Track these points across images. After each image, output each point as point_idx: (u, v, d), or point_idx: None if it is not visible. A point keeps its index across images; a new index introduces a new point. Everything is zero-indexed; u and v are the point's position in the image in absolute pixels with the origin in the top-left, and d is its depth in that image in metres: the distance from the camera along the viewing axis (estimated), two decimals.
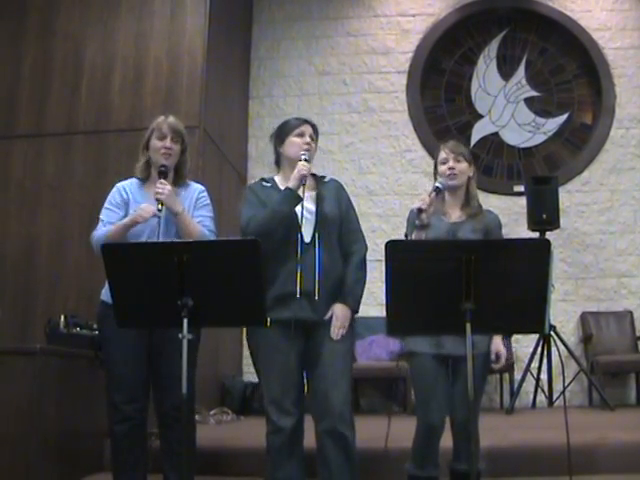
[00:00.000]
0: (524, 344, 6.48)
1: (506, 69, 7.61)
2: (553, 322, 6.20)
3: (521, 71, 7.58)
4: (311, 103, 7.42)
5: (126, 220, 3.25)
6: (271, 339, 3.07)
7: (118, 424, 3.23)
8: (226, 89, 6.80)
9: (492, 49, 7.65)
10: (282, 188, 3.16)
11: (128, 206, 3.39)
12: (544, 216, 6.30)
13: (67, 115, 5.93)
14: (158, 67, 5.93)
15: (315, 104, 7.41)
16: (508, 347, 5.79)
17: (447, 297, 2.52)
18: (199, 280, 2.58)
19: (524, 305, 2.55)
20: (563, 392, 5.45)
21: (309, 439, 3.12)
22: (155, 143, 3.39)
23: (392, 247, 2.52)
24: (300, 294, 3.04)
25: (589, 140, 7.31)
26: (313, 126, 3.31)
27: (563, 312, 6.88)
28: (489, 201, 6.41)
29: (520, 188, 6.95)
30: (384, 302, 2.57)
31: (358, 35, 7.64)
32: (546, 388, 6.33)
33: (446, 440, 3.21)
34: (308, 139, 3.23)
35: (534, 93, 7.53)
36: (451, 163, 3.32)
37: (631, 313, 6.82)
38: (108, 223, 3.35)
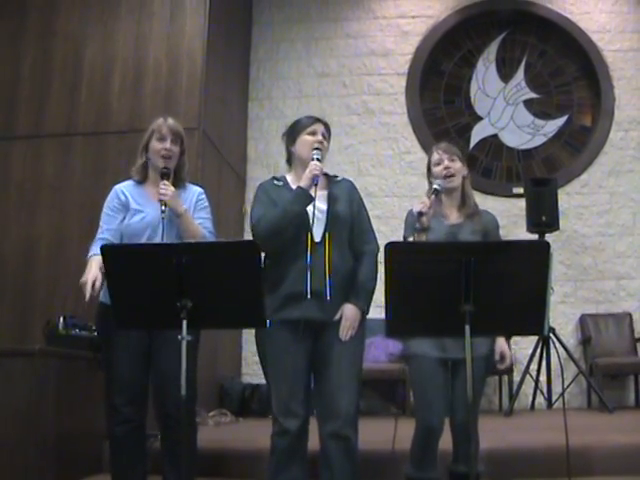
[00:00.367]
0: (523, 346, 6.47)
1: (505, 71, 7.61)
2: (552, 324, 6.20)
3: (520, 73, 7.58)
4: (310, 105, 7.41)
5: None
6: (280, 340, 3.05)
7: (118, 426, 3.23)
8: (225, 91, 6.80)
9: (491, 51, 7.65)
10: (294, 187, 3.13)
11: (127, 208, 3.38)
12: (543, 218, 6.31)
13: (67, 116, 5.93)
14: (158, 68, 5.93)
15: (314, 106, 7.40)
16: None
17: (446, 299, 2.52)
18: (198, 282, 2.58)
19: (523, 307, 2.55)
20: (562, 394, 5.45)
21: (311, 440, 3.11)
22: (155, 145, 3.39)
23: (391, 249, 2.52)
24: (309, 294, 3.02)
25: (588, 142, 7.32)
26: (325, 124, 3.28)
27: (562, 314, 6.88)
28: (488, 203, 6.41)
29: (519, 190, 6.95)
30: (383, 304, 2.56)
31: (357, 37, 7.65)
32: (545, 390, 6.33)
33: (445, 442, 3.21)
34: (320, 137, 3.20)
35: (533, 95, 7.53)
36: (446, 163, 3.32)
37: (630, 315, 6.82)
38: (107, 230, 3.35)
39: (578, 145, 7.39)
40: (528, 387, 6.30)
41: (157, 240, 3.27)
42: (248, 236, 3.18)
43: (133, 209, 3.37)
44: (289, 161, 3.32)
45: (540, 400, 6.38)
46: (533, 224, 6.36)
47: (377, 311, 3.08)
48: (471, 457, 2.87)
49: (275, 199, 3.14)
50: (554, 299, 6.60)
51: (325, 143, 3.23)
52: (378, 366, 6.19)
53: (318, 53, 7.64)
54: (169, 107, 5.78)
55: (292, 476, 3.03)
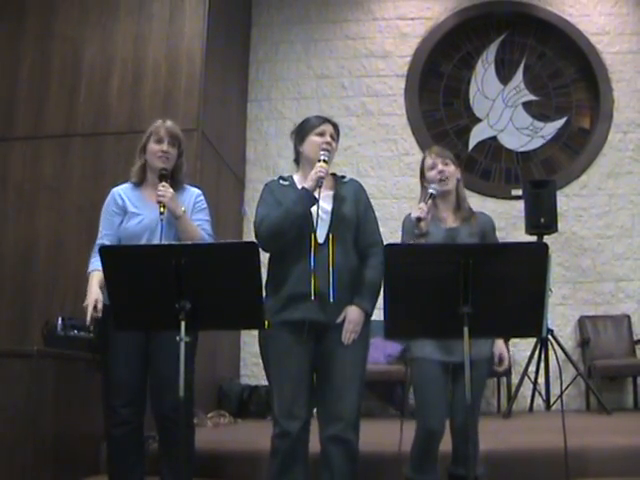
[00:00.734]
0: (522, 348, 6.48)
1: (504, 73, 7.62)
2: (551, 326, 6.20)
3: (519, 75, 7.59)
4: (309, 106, 7.41)
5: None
6: (282, 341, 3.02)
7: (116, 427, 3.23)
8: (224, 92, 6.80)
9: (490, 53, 7.66)
10: (299, 187, 3.12)
11: (125, 212, 3.38)
12: (542, 220, 6.31)
13: (65, 117, 5.92)
14: (157, 70, 5.93)
15: (313, 107, 7.40)
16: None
17: (445, 301, 2.52)
18: (197, 283, 2.58)
19: (522, 309, 2.55)
20: (560, 396, 5.44)
21: (313, 442, 3.10)
22: (152, 147, 3.40)
23: (390, 251, 2.52)
24: (312, 295, 2.99)
25: (587, 144, 7.32)
26: (334, 125, 3.28)
27: (561, 316, 6.89)
28: (487, 205, 6.43)
29: (518, 192, 6.95)
30: (382, 305, 2.56)
31: (357, 38, 7.65)
32: (543, 392, 6.33)
33: (444, 444, 3.21)
34: (329, 139, 3.20)
35: (532, 97, 7.54)
36: (440, 167, 3.31)
37: (628, 317, 6.83)
38: (106, 235, 3.36)
39: (577, 147, 7.39)
40: (527, 389, 6.31)
41: (155, 242, 3.27)
42: (247, 237, 3.18)
43: (130, 212, 3.37)
44: (297, 160, 3.30)
45: (539, 402, 6.38)
46: (532, 226, 6.37)
47: (376, 313, 3.07)
48: (470, 459, 2.87)
49: (280, 199, 3.12)
50: (553, 301, 6.62)
51: (333, 144, 3.22)
52: (377, 368, 6.17)
53: (317, 54, 7.65)
54: (168, 108, 5.78)
55: (293, 478, 3.01)
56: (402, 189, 7.25)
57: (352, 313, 3.05)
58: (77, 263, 5.45)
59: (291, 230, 3.02)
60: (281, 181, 3.25)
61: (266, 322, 2.83)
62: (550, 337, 5.98)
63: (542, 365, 6.22)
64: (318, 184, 3.04)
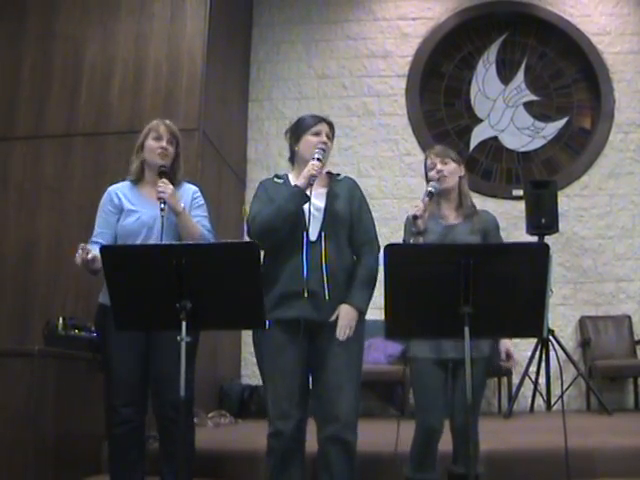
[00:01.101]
0: (522, 348, 6.46)
1: (505, 73, 7.62)
2: (551, 326, 6.20)
3: (520, 75, 7.59)
4: (310, 106, 7.41)
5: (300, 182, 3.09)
6: (275, 340, 3.02)
7: (117, 427, 3.23)
8: (225, 92, 6.80)
9: (491, 53, 7.66)
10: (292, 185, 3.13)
11: (122, 210, 3.38)
12: (543, 220, 6.31)
13: (66, 117, 5.92)
14: (158, 69, 5.93)
15: (314, 107, 7.39)
16: None
17: (445, 301, 2.52)
18: (198, 283, 2.58)
19: (522, 309, 2.55)
20: (561, 396, 5.44)
21: (310, 443, 3.10)
22: (151, 144, 3.40)
23: (390, 251, 2.52)
24: (306, 294, 3.00)
25: (588, 144, 7.32)
26: (330, 124, 3.27)
27: (561, 316, 6.89)
28: (488, 205, 6.39)
29: (519, 192, 6.95)
30: (382, 305, 2.56)
31: (358, 39, 7.65)
32: (544, 392, 6.33)
33: (445, 443, 3.21)
34: (324, 138, 3.18)
35: (533, 97, 7.54)
36: (439, 166, 3.32)
37: (629, 317, 6.83)
38: (100, 234, 3.35)
39: (578, 147, 7.39)
40: (527, 389, 6.31)
41: (153, 240, 3.27)
42: (248, 237, 3.18)
43: (127, 210, 3.37)
44: (292, 159, 3.31)
45: (539, 402, 6.38)
46: (533, 226, 6.36)
47: (376, 313, 3.07)
48: (470, 458, 2.87)
49: (273, 197, 3.12)
50: (553, 301, 6.61)
51: (329, 143, 3.22)
52: (377, 368, 6.18)
53: (318, 54, 7.65)
54: (169, 108, 5.79)
55: (289, 477, 3.02)
56: (403, 189, 7.26)
57: (345, 311, 3.05)
58: None
59: (283, 227, 3.02)
60: (275, 179, 3.26)
61: (266, 322, 2.82)
62: (551, 337, 5.98)
63: (543, 365, 6.22)
64: (310, 182, 3.04)
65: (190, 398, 3.13)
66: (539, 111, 7.51)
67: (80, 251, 3.09)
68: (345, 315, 3.04)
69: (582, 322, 6.85)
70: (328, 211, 3.12)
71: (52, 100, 5.97)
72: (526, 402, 6.42)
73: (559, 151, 7.44)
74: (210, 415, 5.54)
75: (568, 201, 7.07)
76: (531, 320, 2.56)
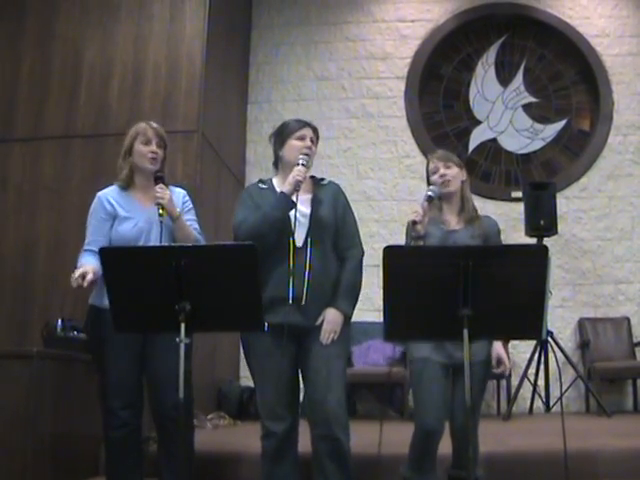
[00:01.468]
0: (521, 350, 6.48)
1: (504, 75, 7.62)
2: (550, 328, 6.20)
3: (519, 77, 7.59)
4: (309, 108, 7.42)
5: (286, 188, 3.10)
6: (263, 344, 3.07)
7: (115, 430, 3.22)
8: (225, 94, 6.80)
9: (491, 55, 7.66)
10: (278, 191, 3.14)
11: (115, 217, 3.35)
12: (542, 222, 6.31)
13: (65, 118, 5.92)
14: (157, 71, 5.93)
15: (313, 109, 7.41)
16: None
17: (444, 303, 2.52)
18: (196, 285, 2.58)
19: (521, 311, 2.55)
20: (560, 398, 5.45)
21: (307, 444, 3.11)
22: (141, 148, 3.37)
23: (389, 253, 2.52)
24: (291, 299, 3.03)
25: (587, 146, 7.32)
26: (314, 129, 3.28)
27: (560, 318, 6.89)
28: (487, 207, 6.41)
29: (518, 194, 6.95)
30: (381, 307, 2.56)
31: (357, 40, 7.65)
32: (543, 394, 6.33)
33: (444, 446, 3.21)
34: (309, 143, 3.20)
35: (532, 99, 7.54)
36: (442, 170, 3.32)
37: (628, 319, 6.83)
38: (94, 241, 3.30)
39: (577, 149, 7.39)
40: (526, 391, 6.31)
41: (152, 244, 3.26)
42: None
43: (122, 216, 3.34)
44: (276, 164, 3.32)
45: (538, 404, 6.38)
46: (532, 228, 6.36)
47: (375, 315, 3.08)
48: (470, 461, 2.87)
49: (259, 202, 3.15)
50: (552, 303, 6.62)
51: (313, 148, 3.23)
52: (376, 369, 6.18)
53: (317, 56, 7.65)
54: (168, 109, 5.79)
55: (284, 478, 3.06)
56: (402, 191, 7.26)
57: (330, 315, 3.09)
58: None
59: (270, 234, 3.04)
60: (260, 184, 3.28)
61: (266, 324, 2.83)
62: (550, 339, 5.99)
63: (542, 367, 6.22)
64: (296, 188, 3.06)
65: (189, 398, 3.13)
66: (538, 113, 7.52)
67: (77, 277, 3.07)
68: (330, 319, 3.09)
69: (581, 324, 6.85)
70: (314, 217, 3.14)
71: (51, 101, 5.97)
72: (525, 404, 6.41)
73: (558, 153, 7.44)
74: (209, 417, 5.53)
75: (567, 203, 7.07)
76: (530, 322, 2.56)
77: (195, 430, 3.44)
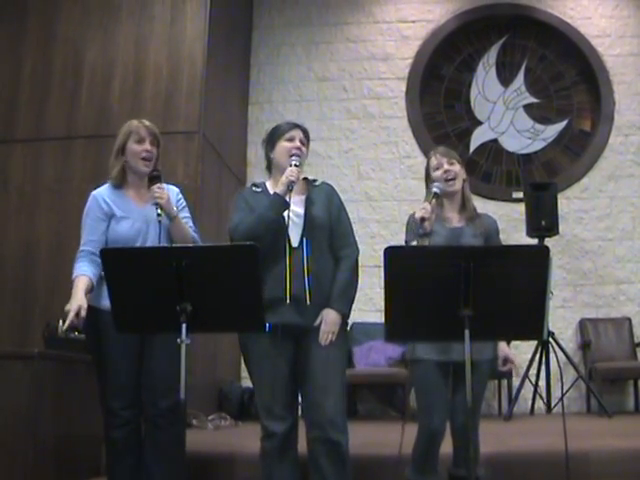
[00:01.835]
0: (522, 350, 6.47)
1: (505, 76, 7.62)
2: (552, 329, 6.20)
3: (520, 78, 7.59)
4: (310, 109, 7.42)
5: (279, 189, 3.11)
6: (260, 344, 3.07)
7: (116, 429, 3.22)
8: (226, 94, 6.81)
9: (491, 56, 7.66)
10: (272, 192, 3.16)
11: (112, 216, 3.33)
12: (543, 223, 6.31)
13: (67, 119, 5.93)
14: (158, 72, 5.94)
15: (314, 110, 7.42)
16: None
17: (446, 303, 2.52)
18: (198, 285, 2.58)
19: (523, 311, 2.55)
20: (561, 399, 5.45)
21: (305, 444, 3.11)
22: (134, 147, 3.36)
23: (390, 253, 2.52)
24: (288, 300, 3.04)
25: (588, 147, 7.32)
26: (304, 130, 3.29)
27: (562, 319, 6.88)
28: (488, 207, 6.38)
29: (519, 194, 6.95)
30: (382, 308, 2.56)
31: (358, 41, 7.65)
32: (544, 395, 6.33)
33: (445, 446, 3.21)
34: (298, 144, 3.21)
35: (533, 100, 7.54)
36: (446, 166, 3.32)
37: (629, 320, 6.83)
38: (90, 241, 3.29)
39: (578, 150, 7.39)
40: (527, 391, 6.30)
41: (150, 244, 3.26)
42: None
43: (119, 216, 3.33)
44: (269, 168, 3.33)
45: (539, 405, 6.38)
46: (533, 228, 6.36)
47: (376, 315, 3.08)
48: (471, 461, 2.87)
49: (253, 205, 3.15)
50: (554, 303, 6.61)
51: (303, 149, 3.24)
52: (377, 370, 6.19)
53: (318, 57, 7.65)
54: (169, 110, 5.80)
55: (282, 478, 3.06)
56: (403, 191, 7.25)
57: (328, 315, 3.09)
58: None
59: (265, 235, 3.04)
60: (254, 188, 3.29)
61: (266, 325, 2.84)
62: (551, 340, 5.98)
63: (543, 368, 6.22)
64: (289, 188, 3.06)
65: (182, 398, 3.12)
66: (539, 113, 7.51)
67: (71, 319, 3.09)
68: (328, 320, 3.09)
69: (582, 324, 6.85)
70: (308, 217, 3.16)
71: (52, 102, 5.98)
72: (526, 404, 6.41)
73: (559, 153, 7.44)
74: (210, 417, 5.53)
75: (568, 203, 7.07)
76: (531, 322, 2.56)
77: (195, 432, 3.43)
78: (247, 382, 6.65)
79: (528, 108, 7.53)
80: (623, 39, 7.42)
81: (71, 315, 3.09)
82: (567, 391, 6.38)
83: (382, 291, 2.54)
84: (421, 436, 3.19)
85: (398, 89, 7.53)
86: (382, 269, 2.52)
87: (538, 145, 7.46)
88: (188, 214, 3.48)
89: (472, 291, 2.48)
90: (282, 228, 3.08)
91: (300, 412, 3.15)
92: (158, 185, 3.26)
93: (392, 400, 6.62)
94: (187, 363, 2.95)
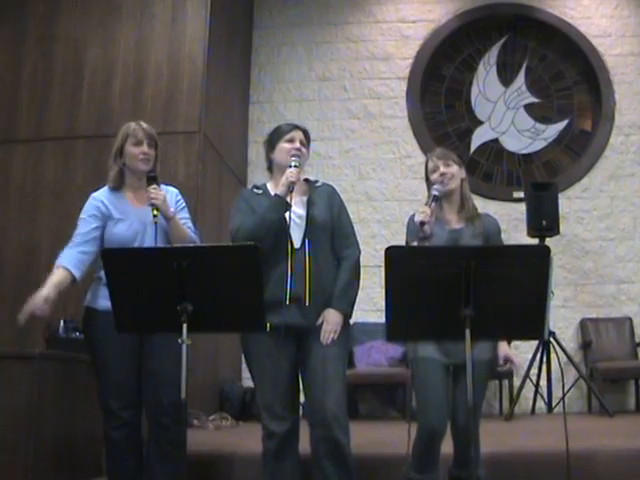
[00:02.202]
0: (523, 350, 6.46)
1: (506, 75, 7.62)
2: (553, 328, 6.20)
3: (521, 77, 7.59)
4: (311, 109, 7.43)
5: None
6: (262, 345, 3.08)
7: (116, 430, 3.21)
8: (226, 94, 6.80)
9: (492, 55, 7.66)
10: (272, 194, 3.16)
11: (110, 218, 3.34)
12: (544, 222, 6.31)
13: (67, 120, 5.93)
14: (159, 72, 5.94)
15: (315, 110, 7.42)
16: None
17: (446, 303, 2.52)
18: (198, 285, 2.58)
19: (524, 311, 2.55)
20: (562, 398, 5.45)
21: (308, 444, 3.11)
22: (132, 150, 3.36)
23: (391, 253, 2.52)
24: (290, 300, 3.05)
25: (589, 146, 7.32)
26: (304, 131, 3.30)
27: (562, 318, 6.88)
28: (489, 207, 6.40)
29: (520, 194, 6.96)
30: (383, 308, 2.56)
31: (358, 41, 7.66)
32: (545, 394, 6.33)
33: (446, 446, 3.21)
34: (298, 144, 3.22)
35: (534, 99, 7.54)
36: (442, 169, 3.31)
37: (630, 319, 6.82)
38: (79, 234, 3.34)
39: (579, 149, 7.39)
40: (528, 391, 6.30)
41: (147, 245, 3.26)
42: None
43: (116, 218, 3.33)
44: (270, 169, 3.33)
45: (540, 404, 6.38)
46: (533, 228, 6.36)
47: (377, 315, 3.08)
48: (472, 461, 2.87)
49: (255, 207, 3.16)
50: (554, 303, 6.60)
51: (303, 150, 3.24)
52: (378, 370, 6.19)
53: (319, 57, 7.65)
54: (170, 110, 5.80)
55: (284, 478, 3.07)
56: (404, 191, 7.25)
57: (330, 315, 3.10)
58: None
59: (267, 237, 3.05)
60: (255, 190, 3.30)
61: (267, 325, 2.84)
62: (552, 339, 5.98)
63: (544, 367, 6.22)
64: (289, 189, 3.07)
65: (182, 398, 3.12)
66: (540, 113, 7.51)
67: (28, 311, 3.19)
68: (330, 320, 3.10)
69: (583, 324, 6.85)
70: (309, 218, 3.17)
71: (53, 103, 5.98)
72: (527, 404, 6.41)
73: (560, 153, 7.44)
74: (211, 417, 5.53)
75: (569, 203, 7.07)
76: (532, 322, 2.56)
77: (196, 431, 3.43)
78: (248, 382, 6.67)
79: (529, 108, 7.53)
80: (624, 39, 7.42)
81: (27, 308, 3.23)
82: (568, 391, 6.38)
83: (383, 291, 2.54)
84: (420, 435, 3.19)
85: (399, 89, 7.53)
86: (383, 269, 2.52)
87: (539, 145, 7.46)
88: (187, 215, 3.48)
89: (473, 291, 2.48)
90: (284, 229, 3.09)
91: (302, 412, 3.16)
92: (154, 186, 3.26)
93: (393, 400, 6.61)
94: (188, 363, 2.96)
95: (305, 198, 3.23)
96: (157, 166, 3.44)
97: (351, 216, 3.37)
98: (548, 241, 6.22)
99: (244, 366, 6.90)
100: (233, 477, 3.90)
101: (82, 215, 3.41)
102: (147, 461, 3.25)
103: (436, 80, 7.68)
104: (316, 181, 3.34)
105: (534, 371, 6.19)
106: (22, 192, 5.84)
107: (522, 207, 6.66)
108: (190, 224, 3.45)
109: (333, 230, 3.21)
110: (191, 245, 3.18)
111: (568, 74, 7.55)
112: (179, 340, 2.56)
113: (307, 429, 3.11)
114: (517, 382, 6.21)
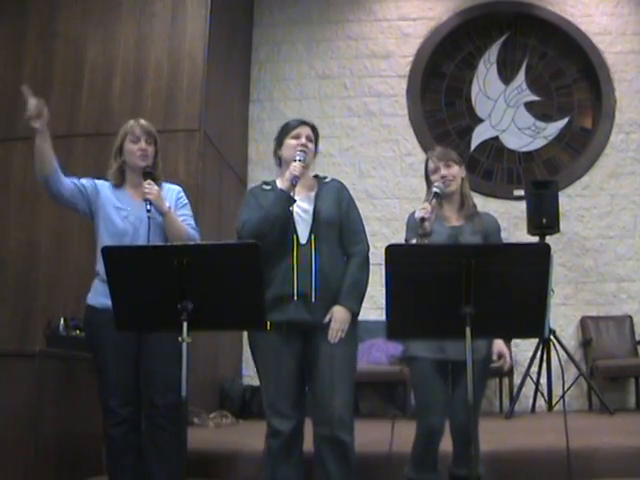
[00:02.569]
0: (524, 348, 6.48)
1: (506, 73, 7.62)
2: (553, 326, 6.20)
3: (521, 75, 7.58)
4: (311, 107, 7.42)
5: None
6: (268, 342, 3.06)
7: (115, 427, 3.22)
8: (226, 92, 6.80)
9: (492, 53, 7.66)
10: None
11: (97, 198, 3.39)
12: (544, 220, 6.31)
13: (68, 118, 5.92)
14: (159, 70, 5.93)
15: (315, 108, 7.42)
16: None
17: (447, 301, 2.52)
18: (199, 283, 2.58)
19: (524, 309, 2.55)
20: (563, 396, 5.44)
21: (310, 443, 3.11)
22: (130, 147, 3.40)
23: (392, 251, 2.51)
24: (296, 296, 3.03)
25: (589, 144, 7.32)
26: (312, 127, 3.29)
27: (563, 316, 6.88)
28: (489, 205, 6.43)
29: (520, 192, 6.96)
30: (384, 306, 2.56)
31: (358, 39, 7.65)
32: (546, 392, 6.33)
33: (446, 444, 3.21)
34: (304, 140, 3.21)
35: (534, 97, 7.53)
36: (443, 171, 3.30)
37: (630, 318, 6.83)
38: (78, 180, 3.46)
39: (579, 147, 7.39)
40: (529, 389, 6.30)
41: (141, 241, 3.27)
42: None
43: (115, 205, 3.36)
44: (280, 165, 3.33)
45: (541, 402, 6.37)
46: (534, 226, 6.36)
47: (378, 313, 3.08)
48: (471, 459, 2.87)
49: (262, 203, 3.15)
50: (555, 301, 6.60)
51: (310, 145, 3.23)
52: (378, 368, 6.18)
53: (319, 55, 7.65)
54: (170, 108, 5.80)
55: (287, 477, 3.05)
56: (404, 189, 7.25)
57: (338, 313, 3.07)
58: (79, 263, 5.47)
59: (271, 231, 3.05)
60: (264, 186, 3.29)
61: (268, 323, 2.84)
62: (552, 337, 5.98)
63: (544, 365, 6.22)
64: (293, 183, 3.06)
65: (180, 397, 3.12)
66: (540, 111, 7.51)
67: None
68: (338, 317, 3.07)
69: (583, 322, 6.85)
70: (317, 214, 3.15)
71: (53, 101, 5.95)
72: (527, 402, 6.41)
73: (560, 151, 7.43)
74: (211, 416, 5.53)
75: (569, 201, 7.07)
76: (532, 320, 2.56)
77: (197, 429, 3.43)
78: (248, 380, 6.69)
79: (529, 106, 7.53)
80: (624, 36, 7.41)
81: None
82: (568, 389, 6.37)
83: (383, 289, 2.54)
84: (419, 434, 3.19)
85: (399, 87, 7.52)
86: (383, 267, 2.51)
87: (539, 143, 7.45)
88: (189, 212, 3.49)
89: (473, 289, 2.48)
90: (290, 224, 3.08)
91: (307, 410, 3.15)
92: (148, 181, 3.28)
93: (393, 398, 6.61)
94: (188, 361, 2.95)
95: (313, 194, 3.21)
96: (158, 162, 3.46)
97: None
98: (548, 239, 6.22)
99: (244, 364, 6.95)
100: (233, 475, 3.90)
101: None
102: (145, 460, 3.25)
103: (436, 78, 7.67)
104: (325, 177, 3.33)
105: (534, 369, 6.20)
106: (22, 190, 5.83)
107: (522, 205, 6.66)
108: (191, 221, 3.45)
109: (341, 226, 3.19)
110: (192, 243, 3.18)
111: (568, 72, 7.54)
112: (179, 338, 2.55)
113: (310, 427, 3.10)
114: (517, 380, 6.22)
